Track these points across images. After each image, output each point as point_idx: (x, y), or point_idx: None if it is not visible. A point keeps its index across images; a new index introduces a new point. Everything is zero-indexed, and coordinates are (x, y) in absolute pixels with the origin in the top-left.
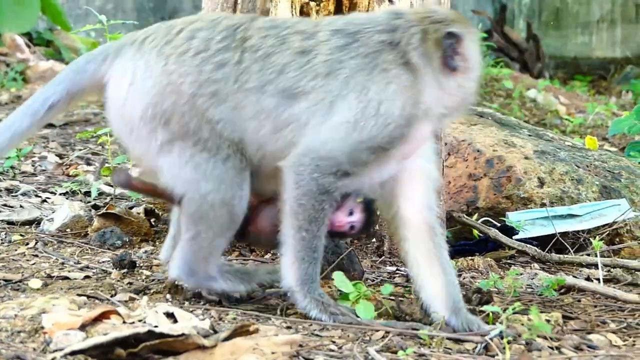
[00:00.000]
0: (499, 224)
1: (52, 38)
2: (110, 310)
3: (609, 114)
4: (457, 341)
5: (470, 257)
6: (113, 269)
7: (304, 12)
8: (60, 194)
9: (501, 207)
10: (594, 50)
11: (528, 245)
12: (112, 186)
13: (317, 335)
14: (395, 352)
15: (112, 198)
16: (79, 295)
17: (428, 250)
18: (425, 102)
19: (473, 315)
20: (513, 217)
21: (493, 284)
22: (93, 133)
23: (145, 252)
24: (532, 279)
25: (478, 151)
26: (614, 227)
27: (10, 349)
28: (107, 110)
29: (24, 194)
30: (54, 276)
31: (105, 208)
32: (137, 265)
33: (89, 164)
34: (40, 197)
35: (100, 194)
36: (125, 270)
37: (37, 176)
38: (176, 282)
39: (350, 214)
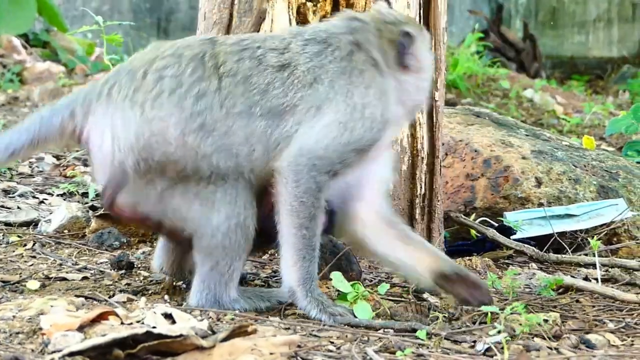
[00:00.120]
0: (496, 224)
1: (48, 39)
2: (109, 311)
3: (606, 113)
4: (456, 341)
5: (468, 257)
6: (111, 270)
7: (300, 12)
8: (58, 195)
9: (499, 207)
10: (590, 49)
11: (526, 245)
12: None
13: (315, 335)
14: (394, 353)
15: None
16: (77, 296)
17: (395, 236)
18: (392, 103)
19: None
20: (511, 217)
21: (491, 284)
22: None
23: (143, 253)
24: (530, 279)
25: (475, 151)
26: (612, 226)
27: (8, 351)
28: (95, 168)
29: (21, 195)
30: (52, 277)
31: (103, 209)
32: (135, 266)
33: (86, 165)
34: (37, 198)
35: (98, 195)
36: (123, 271)
37: (34, 177)
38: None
39: None
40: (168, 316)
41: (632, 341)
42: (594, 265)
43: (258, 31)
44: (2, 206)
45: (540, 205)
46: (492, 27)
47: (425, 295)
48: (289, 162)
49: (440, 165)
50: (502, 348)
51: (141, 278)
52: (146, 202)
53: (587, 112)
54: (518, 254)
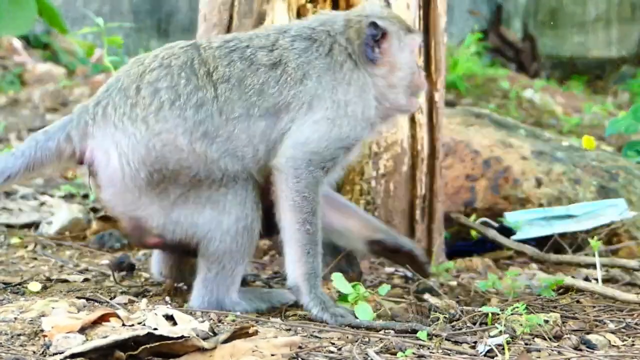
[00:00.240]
0: (496, 225)
1: (49, 41)
2: (110, 313)
3: (605, 113)
4: (457, 342)
5: (468, 258)
6: (112, 271)
7: (300, 13)
8: (59, 197)
9: (499, 207)
10: (590, 50)
11: (526, 246)
12: None
13: (316, 336)
14: (395, 354)
15: None
16: (78, 298)
17: (327, 203)
18: (371, 100)
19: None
20: (511, 218)
21: (492, 284)
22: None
23: (144, 254)
24: (530, 279)
25: (475, 152)
26: (612, 227)
27: (10, 352)
28: (103, 188)
29: (22, 197)
30: (53, 279)
31: (104, 211)
32: (136, 267)
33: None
34: (38, 199)
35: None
36: (124, 272)
37: (35, 179)
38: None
39: None
40: (169, 318)
41: (633, 341)
42: (594, 266)
43: None
44: (4, 208)
45: (541, 205)
46: (492, 28)
47: (426, 296)
48: (286, 158)
49: (441, 166)
50: (503, 349)
51: (142, 279)
52: (158, 214)
53: (587, 112)
54: (518, 255)
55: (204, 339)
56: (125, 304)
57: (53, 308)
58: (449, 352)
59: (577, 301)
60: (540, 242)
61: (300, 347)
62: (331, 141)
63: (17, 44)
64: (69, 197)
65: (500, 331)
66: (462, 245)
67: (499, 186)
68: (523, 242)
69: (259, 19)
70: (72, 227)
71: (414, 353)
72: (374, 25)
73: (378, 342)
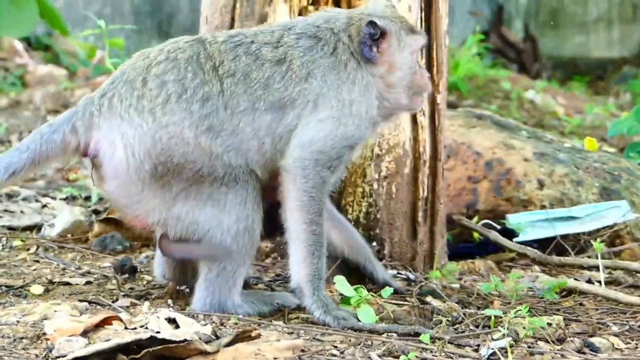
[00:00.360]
0: (499, 227)
1: (50, 43)
2: (112, 316)
3: (607, 114)
4: (459, 345)
5: (470, 260)
6: (114, 274)
7: (302, 15)
8: (61, 199)
9: (501, 209)
10: (591, 50)
11: (528, 248)
12: None
13: (319, 340)
14: (397, 357)
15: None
16: (80, 300)
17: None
18: (374, 99)
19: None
20: (513, 220)
21: (494, 287)
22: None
23: (146, 257)
24: (533, 281)
25: (477, 153)
26: (615, 229)
27: (12, 356)
28: (107, 179)
29: (24, 199)
30: (55, 282)
31: (106, 213)
32: (138, 270)
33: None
34: (40, 202)
35: (101, 199)
36: (126, 275)
37: (37, 181)
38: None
39: None
40: (172, 321)
41: (637, 344)
42: (597, 268)
43: None
44: (6, 210)
45: (543, 207)
46: (493, 28)
47: (429, 299)
48: (294, 158)
49: (443, 168)
50: (506, 352)
51: (144, 282)
52: (159, 208)
53: (588, 113)
54: (521, 257)
55: (206, 342)
56: (128, 307)
57: (55, 311)
58: (452, 355)
59: (580, 304)
60: (542, 244)
61: (302, 351)
62: (337, 140)
63: (19, 45)
64: (70, 200)
65: (503, 334)
66: (464, 247)
67: (501, 188)
68: (525, 244)
69: (261, 21)
70: (74, 229)
71: (416, 356)
72: (372, 24)
73: (381, 345)
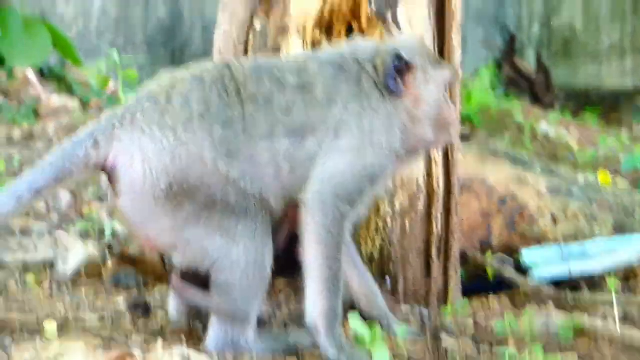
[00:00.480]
0: (513, 263)
1: (63, 73)
2: (127, 354)
3: (620, 146)
4: None
5: (484, 297)
6: (128, 311)
7: (315, 48)
8: (74, 234)
9: (515, 245)
10: (604, 80)
11: (543, 284)
12: None
13: None
14: None
15: (126, 238)
16: (94, 337)
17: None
18: (397, 132)
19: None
20: (527, 256)
21: (508, 324)
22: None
23: (160, 293)
24: (547, 318)
25: (491, 188)
26: (629, 264)
27: None
28: (122, 194)
29: (37, 234)
30: (69, 318)
31: (120, 249)
32: (153, 307)
33: (101, 202)
34: (54, 236)
35: (114, 233)
36: (140, 312)
37: (50, 215)
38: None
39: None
40: (186, 358)
41: None
42: (611, 304)
43: None
44: (19, 245)
45: (557, 242)
46: (506, 59)
47: (443, 336)
48: (313, 192)
49: (457, 204)
50: None
51: (158, 319)
52: (170, 229)
53: (602, 144)
54: (535, 293)
55: None
56: (142, 344)
57: (70, 349)
58: None
59: (595, 341)
60: (556, 280)
61: None
62: (356, 172)
63: (32, 76)
64: (84, 235)
65: None
66: (478, 283)
67: (515, 223)
68: (539, 280)
69: (274, 54)
70: (87, 265)
71: None
72: (397, 56)
73: None
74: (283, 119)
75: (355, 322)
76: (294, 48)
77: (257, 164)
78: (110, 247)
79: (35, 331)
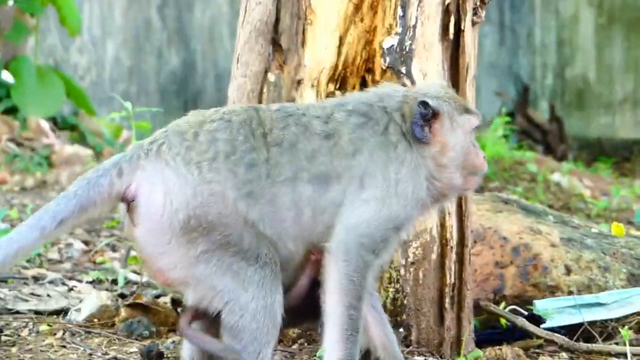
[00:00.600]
0: (526, 313)
1: (76, 122)
2: None
3: (633, 196)
4: None
5: (498, 347)
6: (141, 359)
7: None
8: (87, 282)
9: (528, 295)
10: (617, 131)
11: (556, 334)
12: (138, 274)
13: None
14: None
15: (139, 286)
16: None
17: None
18: (423, 180)
19: None
20: (540, 306)
21: None
22: (119, 221)
23: (173, 342)
24: None
25: (504, 239)
26: None
27: None
28: (139, 223)
29: (50, 282)
30: None
31: (132, 297)
32: (165, 355)
33: (114, 251)
34: (67, 285)
35: (127, 282)
36: None
37: (63, 263)
38: None
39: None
40: None
41: None
42: (625, 355)
43: None
44: (32, 294)
45: (570, 293)
46: (519, 109)
47: None
48: (337, 241)
49: (470, 254)
50: None
51: None
52: (181, 264)
53: (615, 195)
54: (548, 343)
55: None
56: None
57: None
58: None
59: None
60: (570, 331)
61: None
62: (381, 222)
63: (45, 125)
64: (97, 283)
65: None
66: (491, 333)
67: (528, 273)
68: (553, 331)
69: None
70: (100, 314)
71: None
72: (424, 104)
73: None
74: (307, 165)
75: None
76: (307, 100)
77: (277, 207)
78: (122, 296)
79: None
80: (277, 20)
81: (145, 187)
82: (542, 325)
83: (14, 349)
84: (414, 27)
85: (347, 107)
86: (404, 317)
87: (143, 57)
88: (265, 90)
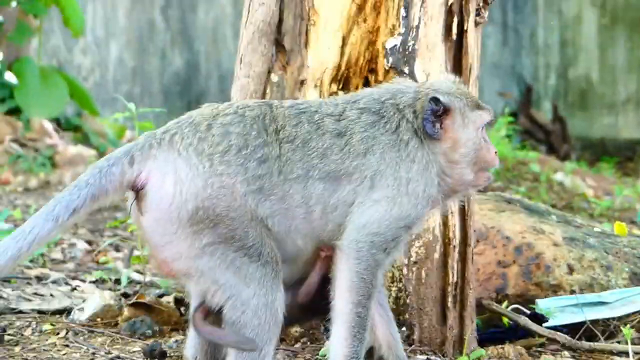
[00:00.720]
0: (528, 312)
1: (80, 123)
2: None
3: (636, 196)
4: None
5: (500, 345)
6: (144, 359)
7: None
8: (90, 282)
9: (531, 294)
10: (620, 131)
11: (558, 333)
12: (141, 274)
13: None
14: None
15: (142, 286)
16: None
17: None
18: (434, 177)
19: None
20: (543, 305)
21: None
22: (123, 221)
23: (176, 341)
24: None
25: (507, 238)
26: None
27: None
28: (147, 212)
29: (54, 282)
30: None
31: (136, 297)
32: (168, 355)
33: (118, 251)
34: (70, 285)
35: (130, 281)
36: (156, 359)
37: (66, 263)
38: None
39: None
40: None
41: None
42: (626, 354)
43: None
44: (35, 293)
45: (573, 292)
46: (522, 109)
47: None
48: (349, 240)
49: (472, 253)
50: None
51: None
52: (186, 255)
53: (618, 195)
54: (550, 342)
55: None
56: None
57: None
58: None
59: None
60: (572, 329)
61: None
62: (392, 221)
63: (49, 126)
64: (100, 283)
65: None
66: (493, 332)
67: (530, 273)
68: (555, 329)
69: None
70: (103, 313)
71: None
72: (435, 100)
73: None
74: (319, 163)
75: None
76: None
77: (288, 204)
78: (125, 296)
79: None
80: (280, 20)
81: (156, 176)
82: (545, 324)
83: (17, 348)
84: (417, 27)
85: (358, 104)
86: (407, 316)
87: (146, 58)
88: (268, 90)
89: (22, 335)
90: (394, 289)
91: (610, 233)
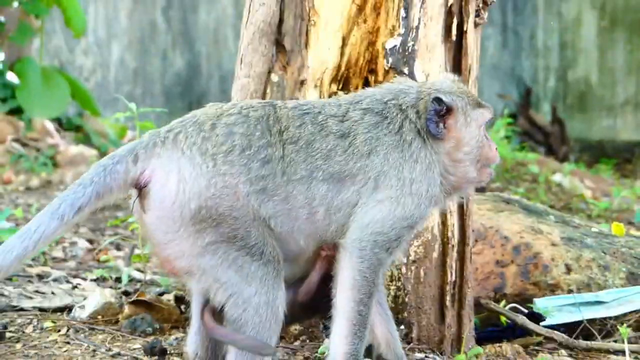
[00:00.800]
0: (526, 311)
1: (81, 123)
2: None
3: (634, 197)
4: None
5: (497, 344)
6: (144, 356)
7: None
8: (91, 280)
9: (528, 293)
10: (618, 133)
11: (556, 332)
12: (142, 272)
13: None
14: None
15: (142, 284)
16: None
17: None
18: (437, 177)
19: None
20: (540, 304)
21: None
22: (124, 220)
23: (176, 339)
24: None
25: (505, 238)
26: None
27: None
28: (150, 210)
29: (55, 280)
30: None
31: (136, 295)
32: (168, 352)
33: (118, 250)
34: (71, 283)
35: (131, 280)
36: (156, 357)
37: (67, 262)
38: None
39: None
40: None
41: None
42: (623, 352)
43: None
44: (37, 291)
45: (570, 291)
46: (521, 111)
47: None
48: (352, 239)
49: (471, 253)
50: None
51: None
52: (188, 253)
53: (616, 196)
54: (548, 341)
55: None
56: None
57: None
58: None
59: None
60: (569, 328)
61: None
62: (395, 220)
63: (50, 126)
64: (101, 281)
65: None
66: (491, 331)
67: (528, 272)
68: (552, 328)
69: None
70: (104, 311)
71: None
72: (437, 100)
73: None
74: (322, 164)
75: None
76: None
77: (291, 204)
78: (126, 294)
79: None
80: (281, 21)
81: (160, 174)
82: (542, 323)
83: (18, 345)
84: (417, 28)
85: (361, 105)
86: (405, 314)
87: (148, 59)
88: (268, 90)
89: (24, 332)
90: (392, 287)
91: (608, 233)
